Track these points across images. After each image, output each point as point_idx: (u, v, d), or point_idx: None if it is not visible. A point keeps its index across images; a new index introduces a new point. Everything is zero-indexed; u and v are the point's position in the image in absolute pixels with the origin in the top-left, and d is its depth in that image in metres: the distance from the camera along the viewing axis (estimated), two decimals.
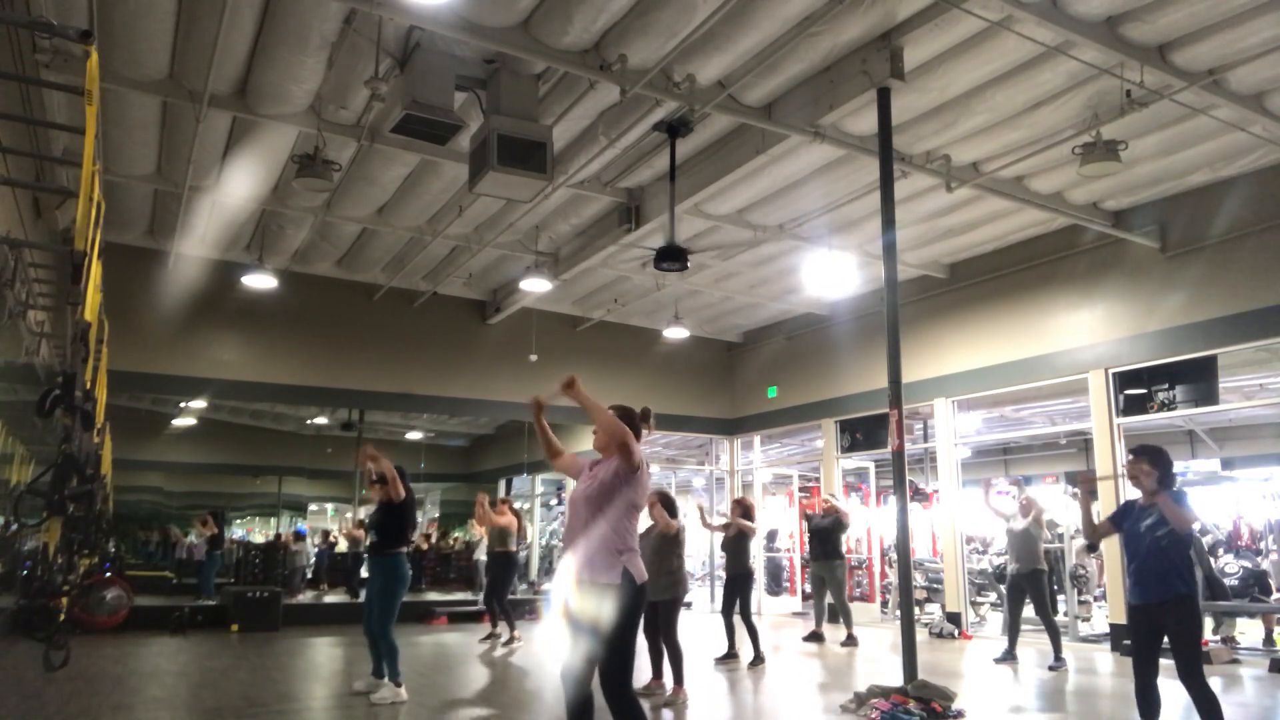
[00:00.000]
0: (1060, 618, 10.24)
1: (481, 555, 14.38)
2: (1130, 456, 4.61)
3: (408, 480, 6.57)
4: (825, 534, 10.36)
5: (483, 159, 7.10)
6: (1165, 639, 4.37)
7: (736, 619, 8.51)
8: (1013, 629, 8.71)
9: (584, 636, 3.53)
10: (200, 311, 11.54)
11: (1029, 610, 8.77)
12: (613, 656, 3.49)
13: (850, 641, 9.81)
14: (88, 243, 4.00)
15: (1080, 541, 11.09)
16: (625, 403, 3.97)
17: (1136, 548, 4.45)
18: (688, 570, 7.35)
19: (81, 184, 3.91)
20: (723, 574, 9.16)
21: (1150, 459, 4.49)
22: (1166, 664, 4.34)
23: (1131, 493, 4.72)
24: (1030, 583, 8.56)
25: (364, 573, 13.89)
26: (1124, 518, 4.63)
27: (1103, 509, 9.81)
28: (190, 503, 18.55)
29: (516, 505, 12.00)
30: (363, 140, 8.16)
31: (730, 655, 8.39)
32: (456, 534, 19.69)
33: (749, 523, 8.74)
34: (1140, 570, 4.43)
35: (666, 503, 6.94)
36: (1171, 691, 4.43)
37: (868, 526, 13.73)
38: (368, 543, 8.18)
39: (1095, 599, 11.34)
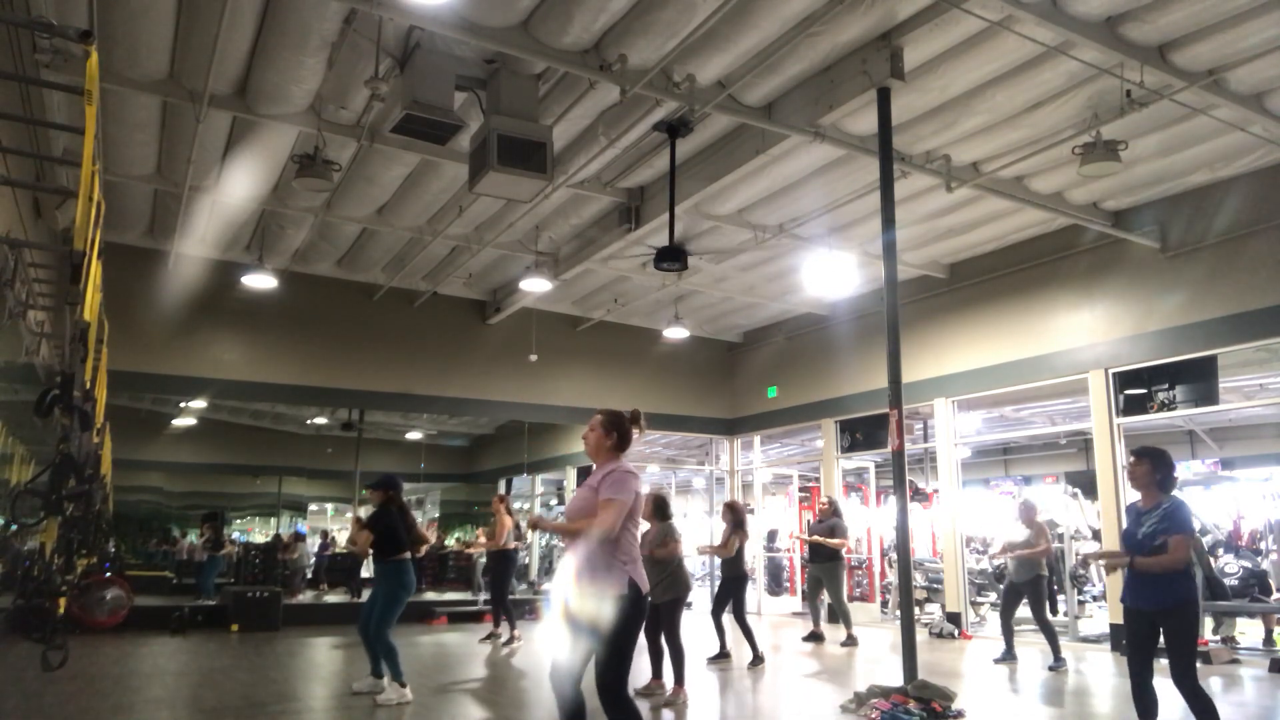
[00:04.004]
0: (1060, 618, 10.25)
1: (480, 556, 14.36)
2: (1131, 458, 4.59)
3: (399, 487, 6.74)
4: (824, 536, 10.37)
5: (483, 159, 7.10)
6: (1161, 640, 4.36)
7: (731, 620, 8.52)
8: (1007, 630, 8.71)
9: (583, 640, 3.53)
10: (200, 311, 11.53)
11: (1024, 611, 8.77)
12: (610, 662, 3.50)
13: (850, 642, 9.82)
14: (87, 243, 3.99)
15: (1083, 546, 11.09)
16: (625, 403, 3.97)
17: (1135, 553, 4.43)
18: (688, 571, 7.36)
19: (81, 184, 3.90)
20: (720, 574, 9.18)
21: (1152, 461, 4.48)
22: (1163, 664, 4.33)
23: (1133, 494, 4.70)
24: (1030, 589, 8.55)
25: (364, 573, 13.89)
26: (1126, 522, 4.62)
27: (1102, 508, 9.86)
28: (190, 503, 18.53)
29: (516, 505, 11.93)
30: (363, 140, 8.15)
31: (722, 655, 8.40)
32: (456, 535, 19.65)
33: (742, 532, 8.78)
34: (1138, 574, 4.41)
35: (660, 504, 6.97)
36: (1170, 692, 4.42)
37: (868, 526, 13.72)
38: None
39: (1094, 599, 11.33)
